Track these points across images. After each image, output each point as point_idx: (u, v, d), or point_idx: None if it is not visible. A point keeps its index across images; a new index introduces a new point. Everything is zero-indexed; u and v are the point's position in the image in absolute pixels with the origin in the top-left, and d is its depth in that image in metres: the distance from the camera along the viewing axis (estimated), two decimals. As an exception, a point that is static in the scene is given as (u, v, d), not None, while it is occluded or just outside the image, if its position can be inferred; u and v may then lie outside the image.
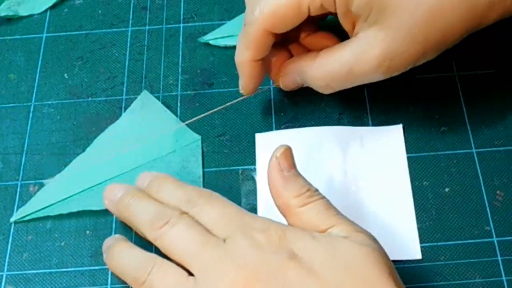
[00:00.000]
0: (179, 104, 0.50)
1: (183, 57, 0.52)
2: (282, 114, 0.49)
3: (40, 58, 0.53)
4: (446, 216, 0.45)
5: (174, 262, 0.39)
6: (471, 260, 0.43)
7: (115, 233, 0.45)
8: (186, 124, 0.49)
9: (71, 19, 0.55)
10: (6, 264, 0.44)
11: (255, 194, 0.46)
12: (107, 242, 0.42)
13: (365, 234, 0.37)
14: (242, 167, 0.47)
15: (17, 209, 0.46)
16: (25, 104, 0.51)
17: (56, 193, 0.46)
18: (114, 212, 0.44)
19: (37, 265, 0.44)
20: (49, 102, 0.51)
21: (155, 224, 0.39)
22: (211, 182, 0.47)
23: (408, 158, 0.47)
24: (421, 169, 0.46)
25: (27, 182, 0.47)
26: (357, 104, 0.49)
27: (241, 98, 0.48)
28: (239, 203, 0.46)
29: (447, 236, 0.44)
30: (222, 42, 0.53)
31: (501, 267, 0.43)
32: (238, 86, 0.47)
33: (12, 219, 0.46)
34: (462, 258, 0.43)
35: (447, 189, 0.46)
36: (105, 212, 0.45)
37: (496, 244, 0.43)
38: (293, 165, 0.40)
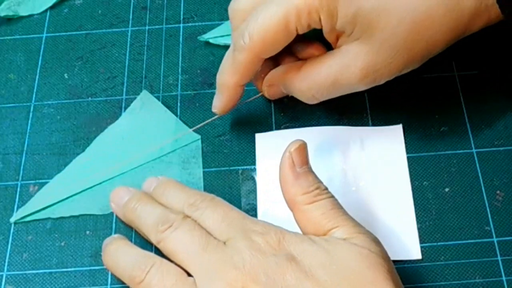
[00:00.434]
0: (179, 104, 0.50)
1: (183, 57, 0.52)
2: (282, 114, 0.49)
3: (40, 58, 0.53)
4: (446, 216, 0.45)
5: (175, 264, 0.39)
6: (471, 260, 0.43)
7: (115, 233, 0.45)
8: (186, 125, 0.49)
9: (71, 19, 0.55)
10: (6, 264, 0.44)
11: (255, 194, 0.46)
12: (106, 241, 0.42)
13: (367, 237, 0.37)
14: (242, 167, 0.47)
15: (17, 209, 0.46)
16: (25, 104, 0.51)
17: (56, 193, 0.46)
18: (120, 216, 0.44)
19: (37, 265, 0.44)
20: (49, 102, 0.51)
21: (158, 228, 0.40)
22: (211, 182, 0.47)
23: (408, 158, 0.47)
24: (421, 169, 0.46)
25: (27, 182, 0.47)
26: (357, 104, 0.48)
27: (251, 98, 0.48)
28: (239, 203, 0.46)
29: (447, 236, 0.44)
30: (222, 41, 0.52)
31: (501, 267, 0.43)
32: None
33: (12, 219, 0.46)
34: (462, 258, 0.43)
35: (447, 189, 0.46)
36: (105, 213, 0.46)
37: (496, 244, 0.43)
38: (306, 161, 0.40)
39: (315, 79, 0.43)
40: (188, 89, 0.51)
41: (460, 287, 0.42)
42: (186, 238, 0.39)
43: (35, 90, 0.52)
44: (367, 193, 0.45)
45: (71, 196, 0.46)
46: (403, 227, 0.44)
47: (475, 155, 0.47)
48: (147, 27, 0.54)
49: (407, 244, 0.44)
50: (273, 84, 0.47)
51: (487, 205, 0.45)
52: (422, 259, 0.43)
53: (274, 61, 0.47)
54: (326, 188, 0.39)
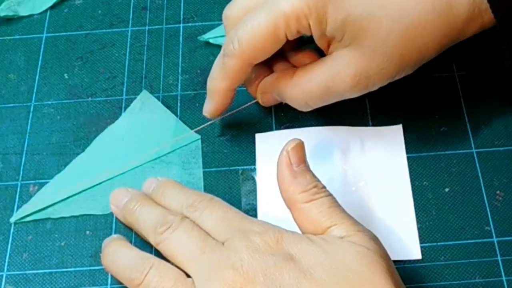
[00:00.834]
0: (179, 104, 0.50)
1: (183, 57, 0.52)
2: (282, 114, 0.49)
3: (40, 58, 0.53)
4: (446, 216, 0.45)
5: (173, 265, 0.39)
6: (471, 260, 0.43)
7: (115, 233, 0.45)
8: (186, 125, 0.49)
9: (71, 19, 0.55)
10: (6, 264, 0.44)
11: (255, 194, 0.46)
12: (105, 242, 0.43)
13: (365, 234, 0.37)
14: (242, 167, 0.47)
15: (17, 209, 0.46)
16: (25, 104, 0.51)
17: (55, 193, 0.46)
18: (120, 217, 0.44)
19: (37, 265, 0.44)
20: (49, 102, 0.51)
21: (157, 229, 0.40)
22: (211, 182, 0.47)
23: (408, 158, 0.47)
24: (421, 169, 0.46)
25: (27, 182, 0.47)
26: (357, 104, 0.48)
27: (250, 103, 0.48)
28: (239, 203, 0.46)
29: (447, 236, 0.44)
30: (222, 41, 0.52)
31: (501, 267, 0.43)
32: (243, 85, 0.47)
33: (12, 219, 0.46)
34: (462, 258, 0.43)
35: (447, 189, 0.46)
36: (105, 213, 0.46)
37: (496, 244, 0.43)
38: (303, 160, 0.40)
39: (307, 87, 0.43)
40: (188, 89, 0.51)
41: (460, 287, 0.42)
42: (184, 239, 0.39)
43: (35, 90, 0.52)
44: (367, 193, 0.45)
45: (71, 196, 0.46)
46: (403, 227, 0.44)
47: (475, 155, 0.47)
48: (147, 27, 0.54)
49: (407, 244, 0.44)
50: (267, 92, 0.47)
51: (487, 205, 0.45)
52: (422, 259, 0.43)
53: (268, 67, 0.47)
54: (324, 187, 0.39)
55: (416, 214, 0.45)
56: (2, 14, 0.55)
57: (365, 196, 0.45)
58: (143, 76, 0.52)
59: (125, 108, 0.50)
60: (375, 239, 0.38)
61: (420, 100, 0.49)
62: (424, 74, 0.49)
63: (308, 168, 0.40)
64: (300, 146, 0.40)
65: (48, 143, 0.49)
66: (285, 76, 0.45)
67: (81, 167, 0.48)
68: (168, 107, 0.50)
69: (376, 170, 0.46)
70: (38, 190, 0.47)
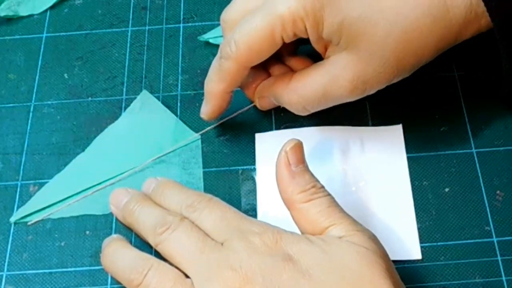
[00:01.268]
0: (179, 104, 0.50)
1: (183, 57, 0.52)
2: (282, 114, 0.49)
3: (40, 58, 0.53)
4: (446, 216, 0.45)
5: (173, 266, 0.39)
6: (471, 260, 0.43)
7: (115, 233, 0.45)
8: (186, 125, 0.49)
9: (71, 19, 0.55)
10: (6, 264, 0.44)
11: (255, 194, 0.46)
12: (105, 243, 0.43)
13: (364, 234, 0.37)
14: (242, 167, 0.47)
15: (17, 209, 0.46)
16: (25, 104, 0.51)
17: (55, 193, 0.46)
18: (120, 218, 0.44)
19: (37, 265, 0.44)
20: (49, 102, 0.51)
21: (156, 230, 0.40)
22: (211, 182, 0.47)
23: (408, 158, 0.47)
24: (421, 169, 0.46)
25: (27, 182, 0.47)
26: (357, 104, 0.48)
27: (248, 107, 0.48)
28: (239, 203, 0.46)
29: (447, 236, 0.44)
30: (221, 41, 0.52)
31: (501, 267, 0.43)
32: (238, 87, 0.47)
33: (12, 219, 0.46)
34: (462, 258, 0.43)
35: (447, 189, 0.46)
36: (105, 213, 0.46)
37: (496, 244, 0.43)
38: (302, 160, 0.40)
39: (304, 92, 0.43)
40: (188, 89, 0.51)
41: (460, 287, 0.42)
42: (184, 240, 0.39)
43: (35, 90, 0.52)
44: (367, 193, 0.45)
45: (71, 196, 0.46)
46: (403, 227, 0.44)
47: (475, 155, 0.47)
48: (147, 27, 0.54)
49: (407, 244, 0.44)
50: (264, 96, 0.47)
51: (487, 205, 0.45)
52: (422, 259, 0.43)
53: (265, 71, 0.47)
54: (323, 186, 0.39)
55: (416, 214, 0.45)
56: (2, 14, 0.55)
57: (365, 196, 0.45)
58: (143, 76, 0.52)
59: (125, 108, 0.50)
60: (374, 239, 0.38)
61: (420, 100, 0.49)
62: (424, 75, 0.49)
63: (307, 168, 0.40)
64: (298, 146, 0.40)
65: (48, 143, 0.49)
66: (283, 81, 0.45)
67: (81, 167, 0.48)
68: (168, 107, 0.50)
69: (376, 170, 0.46)
70: (38, 190, 0.47)
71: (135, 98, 0.50)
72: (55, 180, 0.47)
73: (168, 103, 0.50)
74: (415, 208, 0.45)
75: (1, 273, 0.44)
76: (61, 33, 0.54)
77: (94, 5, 0.56)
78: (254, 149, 0.48)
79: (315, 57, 0.45)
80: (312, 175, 0.40)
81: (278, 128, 0.49)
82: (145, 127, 0.49)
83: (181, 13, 0.55)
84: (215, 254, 0.37)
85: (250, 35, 0.41)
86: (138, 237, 0.44)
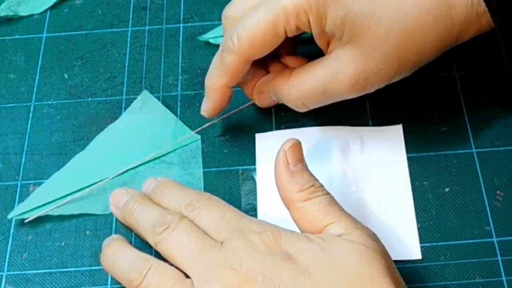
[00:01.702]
0: (179, 104, 0.50)
1: (183, 57, 0.52)
2: (282, 114, 0.49)
3: (40, 58, 0.53)
4: (446, 216, 0.45)
5: (172, 266, 0.39)
6: (471, 260, 0.43)
7: (115, 233, 0.45)
8: (186, 125, 0.49)
9: (71, 19, 0.55)
10: (6, 264, 0.44)
11: (255, 194, 0.46)
12: (105, 243, 0.43)
13: (363, 232, 0.37)
14: (242, 167, 0.47)
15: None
16: (25, 104, 0.51)
17: (54, 191, 0.46)
18: (120, 218, 0.44)
19: (37, 265, 0.44)
20: (49, 102, 0.51)
21: (156, 230, 0.40)
22: (211, 182, 0.47)
23: (408, 158, 0.47)
24: (421, 169, 0.46)
25: (27, 182, 0.47)
26: (357, 104, 0.48)
27: (246, 104, 0.48)
28: (239, 203, 0.46)
29: (447, 236, 0.44)
30: (222, 39, 0.52)
31: (501, 267, 0.43)
32: (237, 87, 0.47)
33: (10, 216, 0.46)
34: (462, 258, 0.43)
35: (447, 189, 0.46)
36: (105, 213, 0.46)
37: (496, 244, 0.43)
38: (300, 160, 0.40)
39: (304, 87, 0.43)
40: (188, 89, 0.51)
41: (460, 287, 0.42)
42: (183, 239, 0.39)
43: (35, 90, 0.52)
44: (367, 193, 0.45)
45: (70, 194, 0.46)
46: (403, 227, 0.44)
47: (475, 155, 0.47)
48: (147, 27, 0.54)
49: (407, 244, 0.44)
50: (263, 92, 0.47)
51: (487, 205, 0.45)
52: (422, 259, 0.43)
53: (264, 68, 0.47)
54: (322, 185, 0.39)
55: (416, 214, 0.45)
56: (2, 14, 0.55)
57: (365, 196, 0.45)
58: (143, 76, 0.52)
59: (125, 108, 0.50)
60: (373, 237, 0.38)
61: (420, 100, 0.49)
62: (424, 74, 0.49)
63: (305, 168, 0.40)
64: (297, 146, 0.40)
65: (48, 143, 0.49)
66: (282, 76, 0.45)
67: (80, 166, 0.48)
68: (168, 107, 0.50)
69: (376, 170, 0.46)
70: (38, 190, 0.47)
71: (135, 98, 0.50)
72: (54, 178, 0.47)
73: (168, 103, 0.50)
74: (415, 208, 0.45)
75: (1, 273, 0.44)
76: (61, 33, 0.54)
77: (94, 5, 0.56)
78: (254, 149, 0.48)
79: (314, 59, 0.44)
80: (311, 174, 0.40)
81: (278, 128, 0.49)
82: (145, 127, 0.49)
83: (181, 13, 0.55)
84: (214, 253, 0.37)
85: (253, 28, 0.41)
86: (138, 237, 0.44)
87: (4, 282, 0.44)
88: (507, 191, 0.45)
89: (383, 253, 0.37)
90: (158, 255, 0.40)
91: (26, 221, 0.45)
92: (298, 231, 0.39)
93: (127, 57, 0.53)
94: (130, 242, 0.44)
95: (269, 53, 0.44)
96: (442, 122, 0.48)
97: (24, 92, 0.52)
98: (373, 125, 0.48)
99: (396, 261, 0.39)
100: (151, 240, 0.40)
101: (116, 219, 0.45)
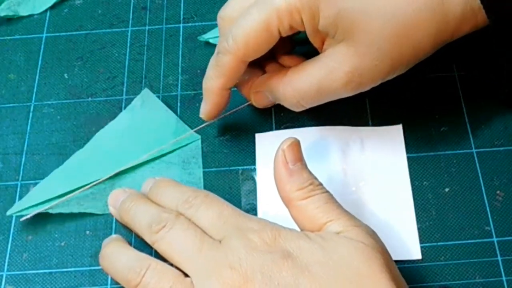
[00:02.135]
0: (179, 104, 0.50)
1: (183, 57, 0.53)
2: (282, 114, 0.49)
3: (40, 58, 0.53)
4: (446, 216, 0.45)
5: (170, 264, 0.39)
6: (471, 260, 0.43)
7: (115, 233, 0.45)
8: (186, 125, 0.49)
9: (71, 19, 0.55)
10: (6, 264, 0.44)
11: (255, 194, 0.46)
12: (104, 243, 0.42)
13: (362, 230, 0.37)
14: (242, 167, 0.47)
15: (17, 209, 0.46)
16: (25, 104, 0.51)
17: (53, 188, 0.46)
18: (117, 218, 0.44)
19: (37, 265, 0.44)
20: (49, 102, 0.51)
21: (152, 228, 0.40)
22: (211, 182, 0.47)
23: (408, 158, 0.47)
24: (421, 169, 0.46)
25: (27, 182, 0.47)
26: (357, 104, 0.49)
27: (244, 105, 0.48)
28: (239, 203, 0.46)
29: (447, 236, 0.44)
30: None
31: (501, 267, 0.43)
32: (237, 87, 0.47)
33: (9, 212, 0.46)
34: (462, 258, 0.43)
35: (447, 189, 0.46)
36: (105, 213, 0.46)
37: (496, 244, 0.43)
38: (299, 158, 0.40)
39: (299, 85, 0.43)
40: (188, 89, 0.51)
41: (460, 287, 0.42)
42: (181, 238, 0.39)
43: (35, 90, 0.52)
44: (367, 193, 0.45)
45: (69, 192, 0.46)
46: (403, 227, 0.44)
47: (475, 155, 0.47)
48: (147, 27, 0.54)
49: (407, 244, 0.44)
50: (260, 91, 0.47)
51: (487, 205, 0.45)
52: (422, 259, 0.43)
53: (261, 69, 0.47)
54: (321, 184, 0.39)
55: (416, 214, 0.45)
56: (2, 14, 0.55)
57: (365, 196, 0.45)
58: (143, 76, 0.52)
59: (125, 108, 0.50)
60: (372, 234, 0.38)
61: (420, 100, 0.49)
62: (424, 74, 0.49)
63: (304, 166, 0.40)
64: (295, 145, 0.40)
65: (48, 143, 0.49)
66: (278, 75, 0.45)
67: (79, 163, 0.48)
68: (168, 107, 0.50)
69: (376, 170, 0.46)
70: (38, 190, 0.47)
71: (135, 98, 0.50)
72: (53, 175, 0.47)
73: (168, 103, 0.50)
74: (415, 208, 0.45)
75: (1, 273, 0.44)
76: (61, 33, 0.54)
77: (94, 5, 0.56)
78: (254, 149, 0.48)
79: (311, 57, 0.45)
80: (310, 172, 0.40)
81: (278, 128, 0.49)
82: (145, 125, 0.49)
83: (181, 13, 0.55)
84: (213, 252, 0.37)
85: (247, 29, 0.41)
86: (139, 237, 0.44)
87: (4, 282, 0.44)
88: (507, 191, 0.45)
89: (382, 250, 0.37)
90: (158, 255, 0.40)
91: (21, 219, 0.45)
92: (298, 230, 0.39)
93: (127, 57, 0.53)
94: (130, 242, 0.44)
95: (265, 53, 0.44)
96: (442, 122, 0.48)
97: (24, 92, 0.52)
98: (373, 125, 0.48)
99: (396, 261, 0.39)
100: (148, 239, 0.40)
101: (116, 220, 0.45)
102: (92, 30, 0.54)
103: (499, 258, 0.43)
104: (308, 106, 0.45)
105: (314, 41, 0.43)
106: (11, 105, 0.51)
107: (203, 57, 0.52)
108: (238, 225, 0.39)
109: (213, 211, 0.40)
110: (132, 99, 0.50)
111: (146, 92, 0.50)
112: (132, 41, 0.54)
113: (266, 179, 0.46)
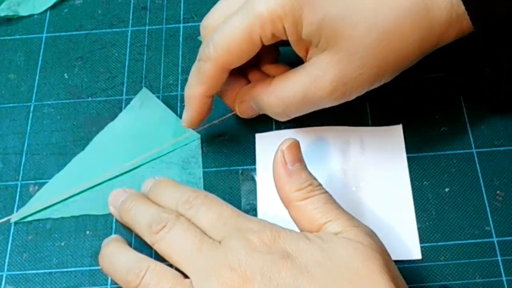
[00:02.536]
0: (179, 104, 0.50)
1: (183, 57, 0.53)
2: (282, 114, 0.49)
3: (40, 58, 0.53)
4: (446, 216, 0.45)
5: (170, 265, 0.39)
6: (471, 260, 0.43)
7: (115, 233, 0.45)
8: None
9: (71, 19, 0.55)
10: (6, 264, 0.44)
11: (255, 194, 0.46)
12: (104, 243, 0.42)
13: (361, 230, 0.37)
14: (242, 167, 0.47)
15: (17, 209, 0.46)
16: (25, 104, 0.51)
17: (55, 194, 0.46)
18: (117, 218, 0.44)
19: (37, 265, 0.44)
20: (49, 102, 0.51)
21: (152, 228, 0.39)
22: (211, 182, 0.47)
23: (408, 158, 0.47)
24: (421, 169, 0.46)
25: (27, 182, 0.47)
26: (357, 104, 0.48)
27: (228, 115, 0.48)
28: (239, 203, 0.46)
29: (447, 236, 0.44)
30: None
31: (501, 267, 0.43)
32: (220, 96, 0.47)
33: (12, 220, 0.46)
34: (462, 258, 0.43)
35: (447, 189, 0.46)
36: (105, 213, 0.46)
37: (496, 244, 0.43)
38: (298, 159, 0.40)
39: (284, 94, 0.43)
40: (188, 89, 0.51)
41: (460, 287, 0.42)
42: (181, 239, 0.39)
43: (35, 90, 0.52)
44: (367, 193, 0.45)
45: (71, 197, 0.46)
46: (403, 227, 0.44)
47: (475, 155, 0.47)
48: (147, 27, 0.54)
49: (407, 244, 0.44)
50: (244, 101, 0.46)
51: (487, 205, 0.45)
52: (422, 259, 0.43)
53: (245, 79, 0.47)
54: (320, 184, 0.39)
55: (416, 214, 0.45)
56: (2, 14, 0.55)
57: (365, 196, 0.45)
58: (143, 76, 0.52)
59: (124, 109, 0.50)
60: (371, 234, 0.38)
61: (420, 100, 0.49)
62: (424, 74, 0.49)
63: (303, 167, 0.40)
64: (294, 145, 0.40)
65: (48, 143, 0.49)
66: (263, 84, 0.44)
67: (80, 167, 0.48)
68: (168, 107, 0.50)
69: (376, 170, 0.46)
70: (38, 190, 0.47)
71: (134, 98, 0.50)
72: (55, 179, 0.47)
73: (168, 103, 0.50)
74: (415, 208, 0.45)
75: (1, 273, 0.44)
76: (61, 33, 0.54)
77: (94, 5, 0.56)
78: (254, 149, 0.48)
79: (296, 66, 0.44)
80: (309, 173, 0.40)
81: (278, 128, 0.49)
82: (145, 125, 0.49)
83: (181, 13, 0.55)
84: (213, 252, 0.37)
85: (228, 36, 0.41)
86: (139, 237, 0.44)
87: (4, 282, 0.44)
88: (507, 191, 0.45)
89: (381, 250, 0.37)
90: (158, 255, 0.40)
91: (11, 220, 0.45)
92: (298, 230, 0.39)
93: (127, 57, 0.53)
94: (130, 242, 0.44)
95: (250, 62, 0.43)
96: (442, 122, 0.48)
97: (24, 92, 0.52)
98: (373, 125, 0.48)
99: (396, 261, 0.39)
100: (148, 239, 0.40)
101: (116, 219, 0.45)
102: (92, 30, 0.54)
103: (499, 258, 0.43)
104: (293, 116, 0.44)
105: (298, 49, 0.43)
106: (11, 105, 0.51)
107: (203, 57, 0.52)
108: (237, 226, 0.39)
109: (213, 212, 0.40)
110: (132, 99, 0.50)
111: (144, 91, 0.50)
112: (132, 41, 0.54)
113: (266, 179, 0.46)
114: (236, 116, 0.48)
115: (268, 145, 0.48)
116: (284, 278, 0.36)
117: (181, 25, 0.54)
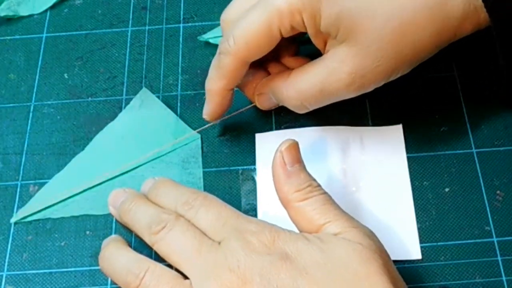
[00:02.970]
0: (179, 104, 0.50)
1: (183, 57, 0.53)
2: (282, 114, 0.49)
3: (40, 58, 0.53)
4: (446, 216, 0.45)
5: (169, 266, 0.39)
6: (471, 260, 0.43)
7: (115, 233, 0.45)
8: (186, 124, 0.49)
9: (71, 19, 0.55)
10: (6, 264, 0.44)
11: (255, 194, 0.46)
12: (103, 244, 0.42)
13: (359, 231, 0.37)
14: (242, 167, 0.47)
15: (17, 209, 0.46)
16: (25, 104, 0.51)
17: (55, 194, 0.46)
18: (117, 218, 0.44)
19: (37, 265, 0.44)
20: (49, 102, 0.51)
21: (152, 229, 0.40)
22: (211, 182, 0.47)
23: (408, 158, 0.47)
24: (421, 169, 0.46)
25: (27, 182, 0.47)
26: (357, 104, 0.49)
27: (248, 106, 0.48)
28: (239, 203, 0.46)
29: (447, 236, 0.44)
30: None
31: (501, 267, 0.43)
32: (240, 89, 0.47)
33: (12, 220, 0.46)
34: (462, 258, 0.43)
35: (447, 189, 0.46)
36: (105, 213, 0.46)
37: (496, 244, 0.43)
38: (297, 160, 0.40)
39: (302, 86, 0.43)
40: (188, 89, 0.51)
41: (460, 287, 0.42)
42: (180, 239, 0.39)
43: (35, 90, 0.52)
44: (367, 193, 0.45)
45: (71, 197, 0.46)
46: (403, 227, 0.44)
47: (475, 155, 0.47)
48: (147, 27, 0.54)
49: (407, 244, 0.44)
50: (263, 93, 0.46)
51: (487, 205, 0.45)
52: (422, 259, 0.43)
53: (265, 71, 0.47)
54: (319, 185, 0.39)
55: (416, 214, 0.45)
56: (2, 14, 0.55)
57: (365, 196, 0.45)
58: (143, 76, 0.52)
59: (124, 109, 0.50)
60: (370, 235, 0.38)
61: (420, 100, 0.49)
62: (424, 74, 0.49)
63: (302, 168, 0.40)
64: (293, 146, 0.40)
65: (48, 143, 0.49)
66: (281, 76, 0.45)
67: (80, 167, 0.48)
68: (168, 107, 0.50)
69: (376, 170, 0.46)
70: (38, 190, 0.47)
71: (134, 98, 0.50)
72: (55, 180, 0.47)
73: (168, 103, 0.50)
74: (415, 208, 0.45)
75: (1, 273, 0.44)
76: (61, 33, 0.54)
77: (94, 5, 0.56)
78: (254, 149, 0.48)
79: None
80: (308, 174, 0.40)
81: (278, 128, 0.49)
82: (144, 125, 0.49)
83: (181, 13, 0.55)
84: (212, 253, 0.37)
85: (248, 29, 0.41)
86: (139, 237, 0.44)
87: (4, 282, 0.44)
88: (507, 191, 0.45)
89: (380, 251, 0.37)
90: (157, 256, 0.40)
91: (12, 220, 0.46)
92: (297, 231, 0.39)
93: (127, 57, 0.53)
94: (130, 243, 0.44)
95: (269, 54, 0.44)
96: (442, 122, 0.48)
97: (24, 92, 0.52)
98: (373, 125, 0.48)
99: (396, 261, 0.39)
100: (147, 240, 0.40)
101: (115, 220, 0.45)
102: (92, 30, 0.54)
103: (499, 258, 0.43)
104: (311, 108, 0.45)
105: (316, 42, 0.43)
106: (11, 105, 0.51)
107: (203, 57, 0.52)
108: (237, 227, 0.39)
109: (212, 213, 0.40)
110: (132, 99, 0.50)
111: (144, 91, 0.50)
112: (132, 41, 0.54)
113: (266, 179, 0.46)
114: (236, 116, 0.48)
115: (268, 145, 0.48)
116: (283, 279, 0.35)
117: (181, 25, 0.54)
